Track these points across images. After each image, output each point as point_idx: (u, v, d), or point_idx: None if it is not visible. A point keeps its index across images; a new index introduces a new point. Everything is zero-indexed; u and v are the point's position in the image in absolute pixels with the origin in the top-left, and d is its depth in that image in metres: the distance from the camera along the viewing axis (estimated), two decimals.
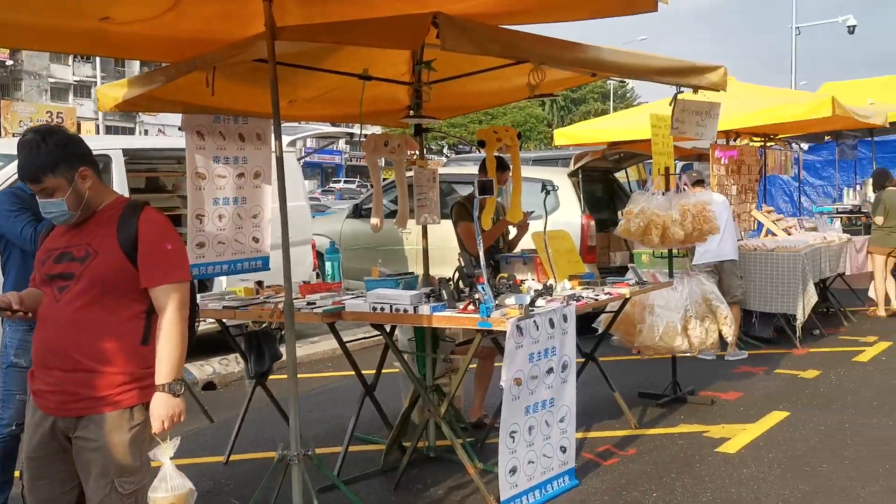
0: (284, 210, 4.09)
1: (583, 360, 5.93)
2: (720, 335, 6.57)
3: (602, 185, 10.49)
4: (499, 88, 5.96)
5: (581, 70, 5.21)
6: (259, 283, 5.61)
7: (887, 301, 10.20)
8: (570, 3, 4.38)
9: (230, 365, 7.87)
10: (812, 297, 8.39)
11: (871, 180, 12.32)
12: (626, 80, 69.49)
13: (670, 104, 5.88)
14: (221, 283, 7.18)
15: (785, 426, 5.89)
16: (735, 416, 6.17)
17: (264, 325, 5.50)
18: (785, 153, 10.46)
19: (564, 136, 10.45)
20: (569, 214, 9.15)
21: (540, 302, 4.71)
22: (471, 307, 4.51)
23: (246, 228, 5.53)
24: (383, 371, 5.37)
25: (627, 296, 5.48)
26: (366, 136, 5.50)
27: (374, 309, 4.66)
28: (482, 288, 4.51)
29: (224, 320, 5.29)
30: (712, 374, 7.39)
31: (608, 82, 66.27)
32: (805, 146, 11.66)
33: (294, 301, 4.38)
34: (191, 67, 4.21)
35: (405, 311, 4.57)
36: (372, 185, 5.82)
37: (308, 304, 4.98)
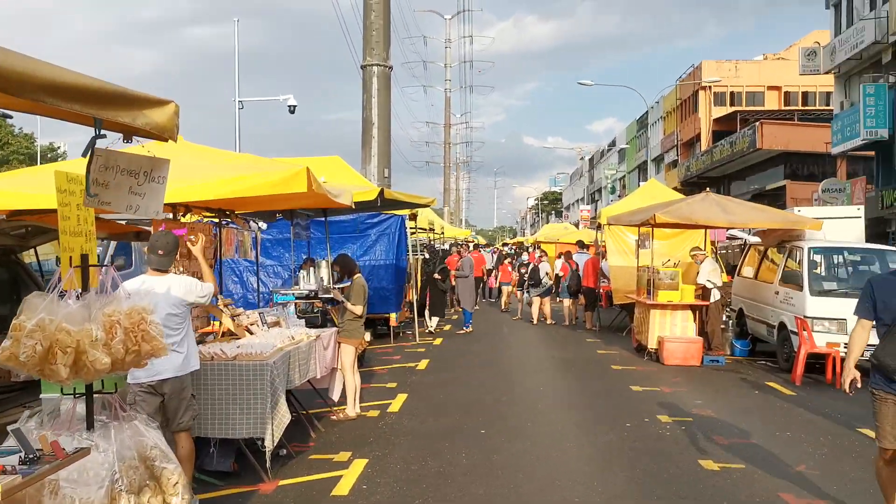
0: None
1: None
2: None
3: (1, 269, 7.55)
4: None
5: None
6: None
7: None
8: None
9: None
10: (284, 416, 6.73)
11: (322, 262, 11.52)
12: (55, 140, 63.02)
13: (85, 155, 3.59)
14: None
15: None
16: None
17: None
18: (244, 232, 8.85)
19: None
20: None
21: None
22: None
23: None
24: None
25: None
26: None
27: None
28: None
29: None
30: None
31: (36, 140, 59.66)
32: (263, 225, 10.34)
33: None
34: None
35: None
36: None
37: None
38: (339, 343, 9.09)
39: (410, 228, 19.49)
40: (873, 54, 31.52)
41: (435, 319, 18.46)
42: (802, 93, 51.53)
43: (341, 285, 9.71)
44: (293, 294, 9.53)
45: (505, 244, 56.06)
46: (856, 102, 31.99)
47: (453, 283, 20.15)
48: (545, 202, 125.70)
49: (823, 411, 9.66)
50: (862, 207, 20.69)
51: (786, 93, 51.90)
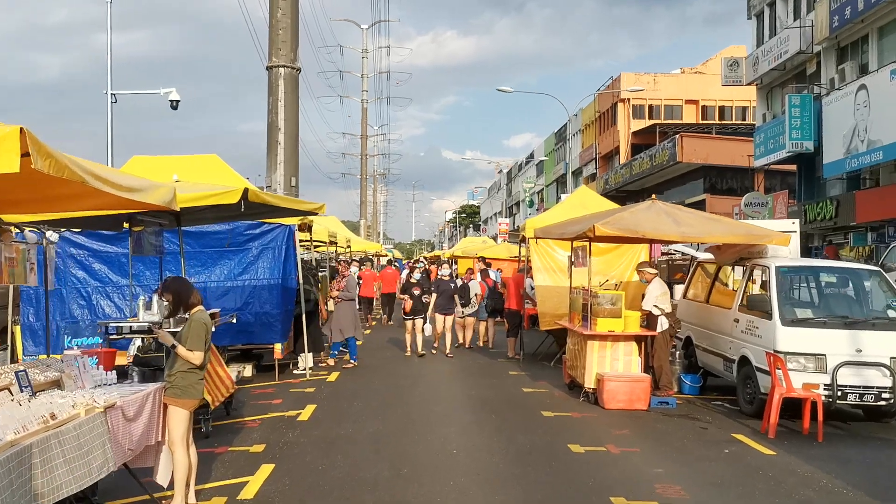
0: None
1: None
2: None
3: None
4: None
5: None
6: None
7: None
8: None
9: None
10: None
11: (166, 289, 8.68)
12: None
13: None
14: None
15: None
16: None
17: None
18: (16, 246, 6.01)
19: None
20: None
21: None
22: None
23: None
24: None
25: None
26: None
27: None
28: None
29: None
30: None
31: None
32: (53, 236, 7.42)
33: None
34: None
35: None
36: None
37: None
38: (166, 406, 6.34)
39: (303, 242, 16.76)
40: (798, 64, 30.38)
41: (308, 357, 14.17)
42: (719, 107, 50.92)
43: (184, 316, 6.96)
44: (97, 336, 6.69)
45: (425, 258, 53.15)
46: (779, 114, 30.80)
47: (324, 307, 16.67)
48: (463, 216, 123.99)
49: (822, 484, 7.39)
50: (797, 221, 19.13)
51: (703, 107, 51.20)
